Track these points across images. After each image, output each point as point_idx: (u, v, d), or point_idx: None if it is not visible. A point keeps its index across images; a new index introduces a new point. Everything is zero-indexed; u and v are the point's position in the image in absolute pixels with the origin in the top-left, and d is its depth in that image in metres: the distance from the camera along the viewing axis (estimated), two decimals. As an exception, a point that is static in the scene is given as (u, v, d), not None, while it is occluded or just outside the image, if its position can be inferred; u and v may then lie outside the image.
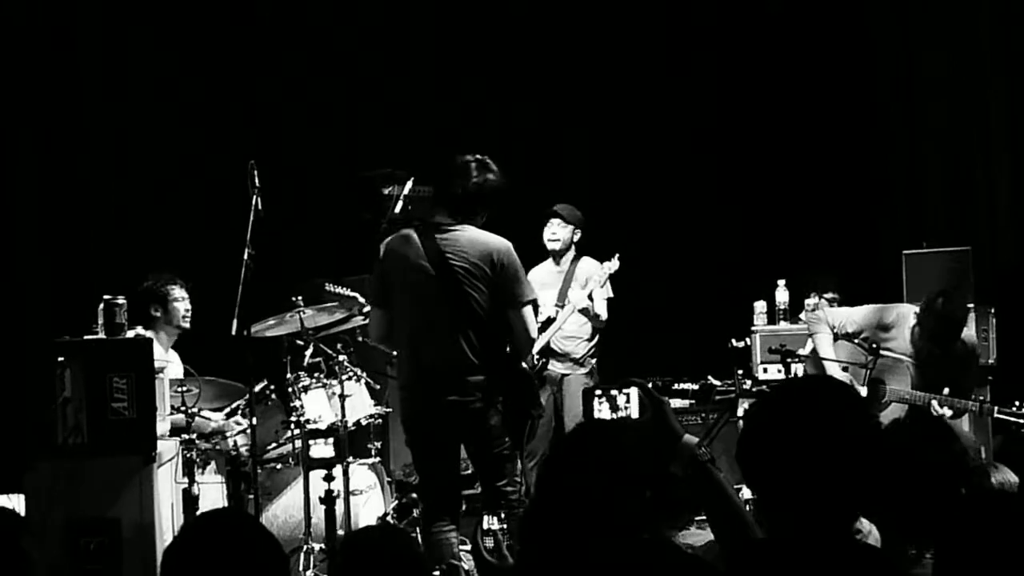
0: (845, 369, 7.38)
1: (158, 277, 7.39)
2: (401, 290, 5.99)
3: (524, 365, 6.15)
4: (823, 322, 7.60)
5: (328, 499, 6.65)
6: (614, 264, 8.24)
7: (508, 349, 6.02)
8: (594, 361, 8.37)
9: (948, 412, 7.12)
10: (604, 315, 8.22)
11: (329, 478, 6.67)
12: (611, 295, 8.30)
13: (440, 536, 6.00)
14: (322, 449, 6.63)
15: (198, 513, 3.13)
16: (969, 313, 7.47)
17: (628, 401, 3.35)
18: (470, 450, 6.19)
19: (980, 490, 2.37)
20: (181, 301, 7.39)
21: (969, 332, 7.55)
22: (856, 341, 7.48)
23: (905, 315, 7.41)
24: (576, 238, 8.38)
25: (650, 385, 3.36)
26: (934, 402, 7.13)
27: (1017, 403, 7.03)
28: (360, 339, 7.98)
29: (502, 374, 5.98)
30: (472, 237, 5.94)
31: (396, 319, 6.05)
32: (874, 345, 7.31)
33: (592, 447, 3.14)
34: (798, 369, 7.88)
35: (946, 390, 7.19)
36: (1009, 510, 2.29)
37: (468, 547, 6.64)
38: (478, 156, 6.03)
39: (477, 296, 5.88)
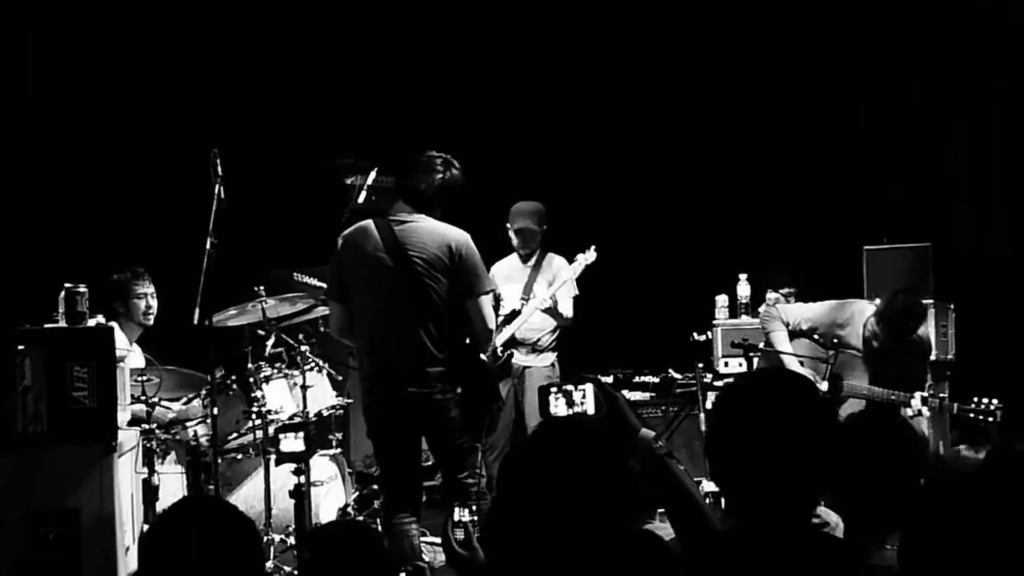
0: (802, 363, 7.42)
1: (126, 271, 7.38)
2: (360, 282, 6.01)
3: (483, 357, 6.18)
4: (777, 319, 7.63)
5: (298, 493, 6.64)
6: (590, 255, 8.19)
7: (467, 340, 6.04)
8: (554, 355, 8.32)
9: (927, 412, 7.18)
10: (569, 314, 8.18)
11: (299, 471, 6.65)
12: (576, 293, 8.27)
13: (401, 528, 6.00)
14: (292, 443, 6.61)
15: (177, 499, 3.13)
16: (927, 309, 7.54)
17: (584, 397, 3.36)
18: (431, 441, 6.20)
19: (940, 478, 2.40)
20: (143, 298, 7.38)
21: (924, 327, 7.60)
22: (814, 337, 7.51)
23: (859, 311, 7.46)
24: (542, 230, 8.29)
25: (610, 378, 3.39)
26: (915, 399, 7.18)
27: (975, 399, 7.09)
28: (322, 329, 7.98)
29: (461, 366, 6.01)
30: (431, 228, 5.98)
31: (356, 311, 6.05)
32: (834, 340, 7.36)
33: (553, 445, 3.15)
34: (760, 363, 7.90)
35: (928, 385, 7.26)
36: (970, 497, 2.31)
37: (435, 540, 6.64)
38: (442, 154, 6.09)
39: (436, 287, 5.91)
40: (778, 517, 2.68)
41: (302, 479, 6.65)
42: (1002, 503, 2.26)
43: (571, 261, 8.24)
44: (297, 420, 7.04)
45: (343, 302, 6.10)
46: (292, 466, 7.04)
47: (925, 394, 7.23)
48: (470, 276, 5.97)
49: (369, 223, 6.06)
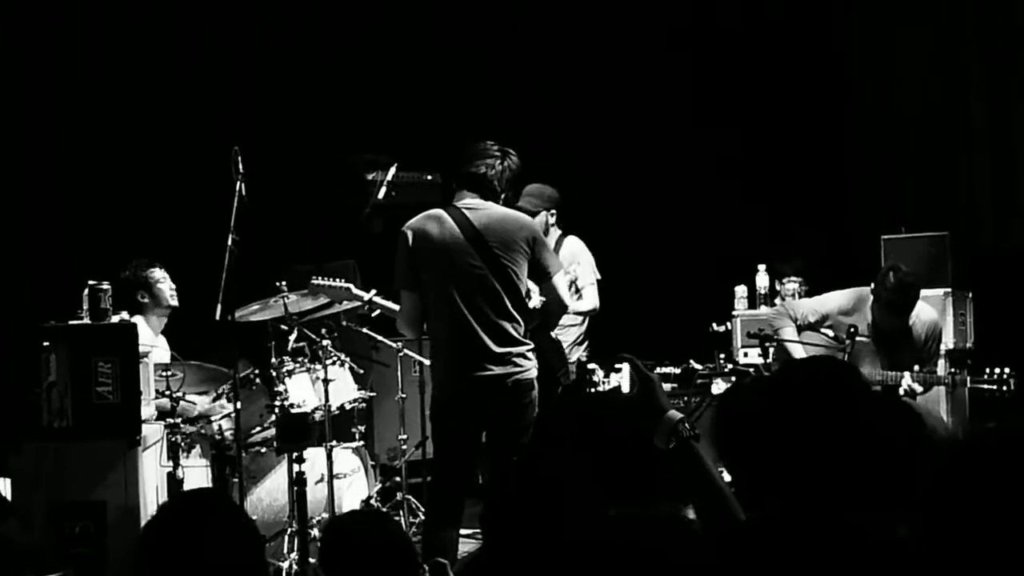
0: None
1: (136, 264, 7.49)
2: (439, 270, 6.05)
3: (553, 334, 6.37)
4: (785, 316, 7.63)
5: (299, 481, 6.72)
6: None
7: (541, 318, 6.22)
8: (581, 350, 8.09)
9: (919, 388, 7.19)
10: (569, 303, 7.83)
11: (300, 460, 6.73)
12: (590, 280, 8.13)
13: (444, 535, 5.97)
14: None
15: (175, 493, 3.19)
16: (919, 280, 7.49)
17: (620, 375, 3.42)
18: (504, 426, 6.10)
19: (950, 464, 2.40)
20: (164, 281, 7.50)
21: (930, 310, 7.58)
22: (822, 329, 7.52)
23: (864, 297, 7.46)
24: (552, 220, 7.94)
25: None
26: (905, 377, 7.19)
27: (988, 370, 7.11)
28: (344, 324, 8.04)
29: (537, 343, 6.16)
30: (504, 214, 6.14)
31: (431, 299, 6.09)
32: (851, 329, 7.37)
33: (581, 419, 3.20)
34: (776, 355, 7.92)
35: (916, 367, 7.26)
36: (984, 480, 2.32)
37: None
38: (494, 142, 6.23)
39: (516, 270, 6.05)
40: (812, 505, 2.68)
41: (305, 469, 6.73)
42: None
43: None
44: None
45: (416, 291, 6.14)
46: (315, 458, 7.16)
47: (915, 370, 7.23)
48: (546, 257, 6.16)
49: (439, 212, 6.12)
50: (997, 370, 7.09)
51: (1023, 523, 2.19)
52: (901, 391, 7.14)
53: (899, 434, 3.33)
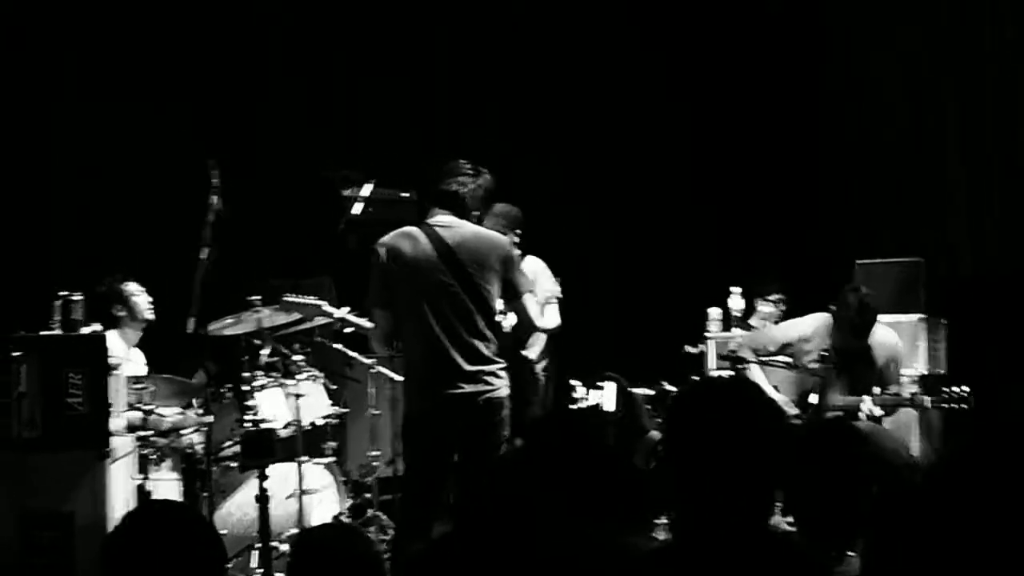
0: (777, 389, 7.44)
1: (111, 278, 7.52)
2: (411, 287, 6.08)
3: (526, 353, 6.35)
4: (746, 348, 7.73)
5: (263, 498, 6.71)
6: (554, 288, 8.12)
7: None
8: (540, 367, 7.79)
9: (879, 411, 7.21)
10: (546, 322, 7.68)
11: (263, 476, 6.73)
12: (550, 298, 8.02)
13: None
14: None
15: (140, 504, 3.19)
16: (878, 308, 7.53)
17: (602, 393, 3.43)
18: (475, 445, 6.09)
19: (903, 487, 2.43)
20: (139, 295, 7.55)
21: (890, 332, 7.61)
22: (780, 358, 7.57)
23: (821, 322, 7.51)
24: (515, 240, 7.56)
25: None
26: (865, 401, 7.21)
27: (945, 388, 7.15)
28: (317, 339, 8.03)
29: (508, 362, 6.20)
30: (476, 232, 6.18)
31: (403, 317, 6.12)
32: (823, 354, 7.40)
33: (563, 436, 3.19)
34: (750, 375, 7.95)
35: (876, 389, 7.29)
36: (934, 502, 2.35)
37: None
38: (467, 161, 6.28)
39: (489, 288, 6.09)
40: (732, 524, 2.72)
41: (273, 485, 6.75)
42: (959, 502, 2.30)
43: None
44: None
45: (389, 308, 6.16)
46: (286, 474, 7.15)
47: (875, 393, 7.26)
48: (517, 277, 6.21)
49: (412, 229, 6.16)
50: (955, 389, 7.13)
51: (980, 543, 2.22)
52: (862, 415, 7.17)
53: (840, 457, 3.35)
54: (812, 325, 7.58)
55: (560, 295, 8.14)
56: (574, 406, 3.34)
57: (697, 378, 8.00)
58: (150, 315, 7.58)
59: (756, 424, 2.77)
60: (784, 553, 2.74)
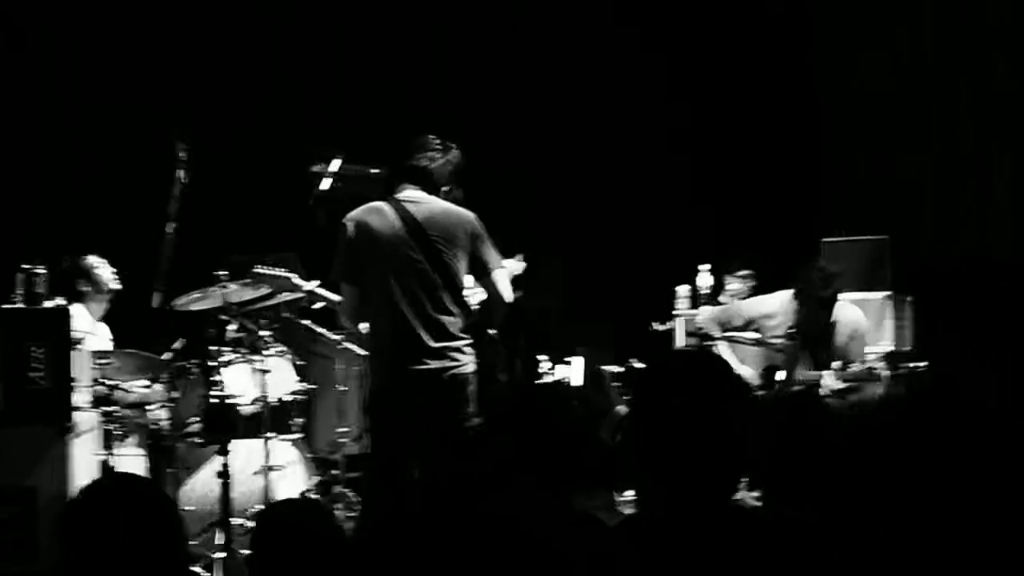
0: (743, 362, 7.47)
1: (68, 257, 7.49)
2: (378, 262, 6.06)
3: (490, 331, 6.36)
4: (712, 323, 7.78)
5: (224, 473, 6.71)
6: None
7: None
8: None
9: (840, 384, 7.23)
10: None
11: (224, 451, 6.72)
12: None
13: None
14: None
15: (99, 476, 3.18)
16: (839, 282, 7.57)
17: (569, 368, 3.42)
18: (439, 421, 6.06)
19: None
20: (101, 267, 7.49)
21: (853, 308, 7.64)
22: (744, 334, 7.61)
23: (787, 299, 7.54)
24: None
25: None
26: (825, 376, 7.24)
27: (904, 365, 7.19)
28: (284, 315, 8.00)
29: (474, 339, 6.16)
30: (445, 208, 6.15)
31: (370, 291, 6.10)
32: (789, 330, 7.42)
33: (531, 407, 3.20)
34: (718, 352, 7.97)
35: (835, 364, 7.31)
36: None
37: None
38: (436, 137, 6.26)
39: (456, 264, 6.07)
40: (699, 498, 2.72)
41: (232, 460, 6.76)
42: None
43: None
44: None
45: (356, 283, 6.14)
46: (252, 450, 7.13)
47: (835, 368, 7.29)
48: (487, 254, 6.16)
49: (380, 204, 6.15)
50: (914, 365, 7.17)
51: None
52: (823, 390, 7.19)
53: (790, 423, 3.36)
54: (778, 302, 7.60)
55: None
56: (540, 380, 3.33)
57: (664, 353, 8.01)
58: (116, 285, 7.55)
59: (723, 398, 2.76)
60: (751, 527, 2.74)
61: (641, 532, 2.76)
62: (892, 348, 8.50)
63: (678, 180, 10.40)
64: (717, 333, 7.68)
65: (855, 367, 7.36)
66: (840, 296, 7.52)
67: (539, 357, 3.37)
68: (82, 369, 6.28)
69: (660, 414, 2.77)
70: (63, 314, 5.99)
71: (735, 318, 7.71)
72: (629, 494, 7.08)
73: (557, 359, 3.21)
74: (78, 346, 6.18)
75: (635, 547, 2.72)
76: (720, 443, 2.72)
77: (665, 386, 2.81)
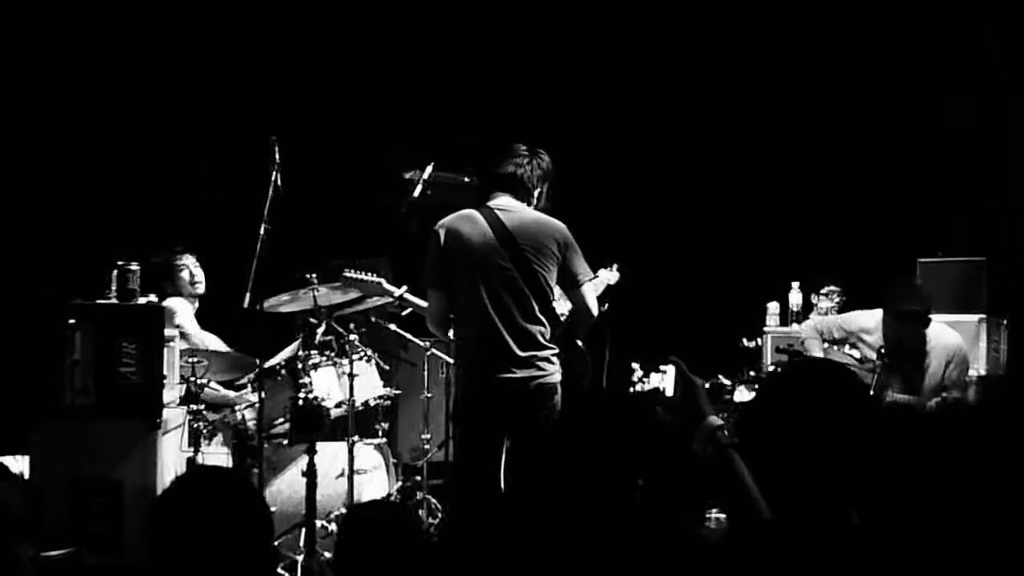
0: None
1: (162, 252, 7.53)
2: (469, 270, 6.06)
3: (579, 342, 6.34)
4: (813, 332, 7.74)
5: (311, 473, 6.71)
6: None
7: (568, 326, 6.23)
8: None
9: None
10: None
11: (312, 451, 6.73)
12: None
13: None
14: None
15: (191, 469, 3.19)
16: (931, 300, 7.45)
17: (663, 377, 3.38)
18: (525, 430, 6.05)
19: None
20: (185, 269, 7.52)
21: (953, 334, 7.51)
22: (844, 350, 7.52)
23: (880, 315, 7.44)
24: None
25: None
26: (928, 406, 7.14)
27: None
28: (373, 320, 8.03)
29: (562, 349, 6.16)
30: (536, 218, 6.15)
31: (459, 298, 6.11)
32: (881, 349, 7.32)
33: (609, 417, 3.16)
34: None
35: (943, 394, 7.20)
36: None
37: None
38: (523, 144, 6.26)
39: (546, 275, 6.07)
40: (818, 509, 2.67)
41: (315, 462, 6.74)
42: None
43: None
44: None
45: (445, 290, 6.15)
46: (337, 453, 7.15)
47: (942, 398, 7.18)
48: (577, 265, 6.15)
49: (472, 212, 6.15)
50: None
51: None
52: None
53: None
54: (875, 319, 7.49)
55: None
56: (632, 389, 3.28)
57: (791, 362, 7.90)
58: (196, 291, 7.58)
59: (853, 411, 2.71)
60: (856, 542, 2.68)
61: (756, 547, 2.71)
62: (985, 372, 8.37)
63: (773, 195, 10.30)
64: (815, 340, 7.60)
65: (956, 396, 7.25)
66: (934, 318, 7.41)
67: (632, 365, 3.32)
68: (172, 366, 6.32)
69: (789, 423, 2.71)
70: (157, 311, 6.04)
71: (835, 329, 7.64)
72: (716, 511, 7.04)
73: (651, 368, 3.19)
74: (170, 343, 6.22)
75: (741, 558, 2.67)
76: (842, 455, 2.66)
77: (799, 395, 2.76)
